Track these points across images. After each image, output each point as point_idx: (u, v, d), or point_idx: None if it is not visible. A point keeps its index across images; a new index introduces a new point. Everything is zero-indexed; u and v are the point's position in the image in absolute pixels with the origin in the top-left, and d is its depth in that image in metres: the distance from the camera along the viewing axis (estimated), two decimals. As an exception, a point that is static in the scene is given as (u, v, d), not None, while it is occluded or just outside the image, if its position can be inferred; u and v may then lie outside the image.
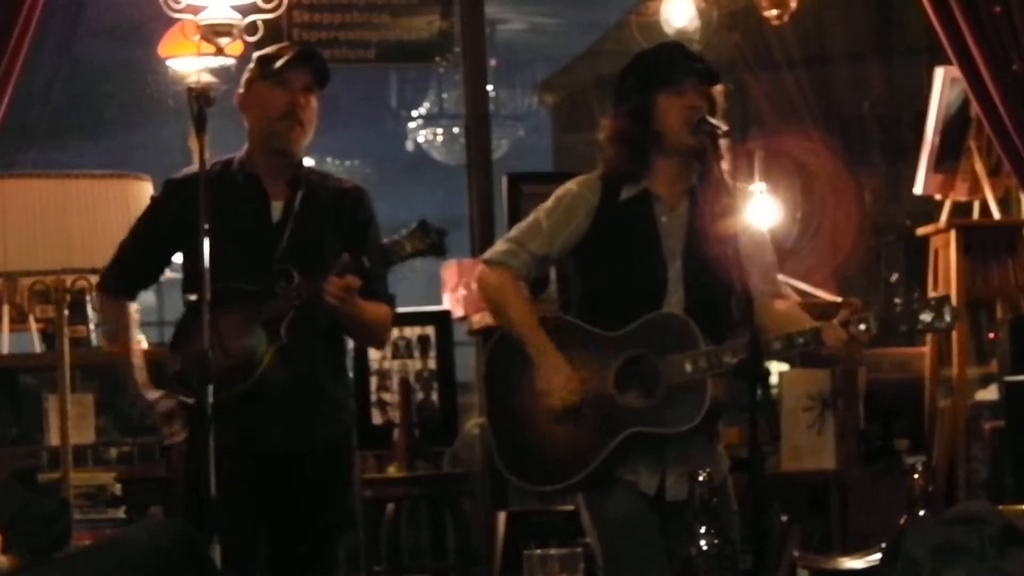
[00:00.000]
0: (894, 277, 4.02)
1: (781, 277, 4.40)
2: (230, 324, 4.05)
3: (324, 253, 4.14)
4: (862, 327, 3.90)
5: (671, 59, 4.15)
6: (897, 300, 3.94)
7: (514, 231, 4.21)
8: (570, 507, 6.02)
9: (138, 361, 4.28)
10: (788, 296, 4.22)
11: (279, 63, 4.19)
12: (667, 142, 4.08)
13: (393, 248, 4.09)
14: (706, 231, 4.05)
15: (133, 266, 4.35)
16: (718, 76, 4.17)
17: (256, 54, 4.34)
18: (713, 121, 4.02)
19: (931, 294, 3.92)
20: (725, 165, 4.05)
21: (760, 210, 6.65)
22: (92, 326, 5.84)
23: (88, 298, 5.49)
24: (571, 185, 4.19)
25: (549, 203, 4.19)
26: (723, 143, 4.04)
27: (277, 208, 4.19)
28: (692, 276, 4.07)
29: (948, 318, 3.91)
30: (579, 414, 4.03)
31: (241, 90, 4.29)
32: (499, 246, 4.20)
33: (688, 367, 3.95)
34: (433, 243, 4.10)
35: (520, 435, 4.13)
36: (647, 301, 4.05)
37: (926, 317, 3.91)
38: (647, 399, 3.99)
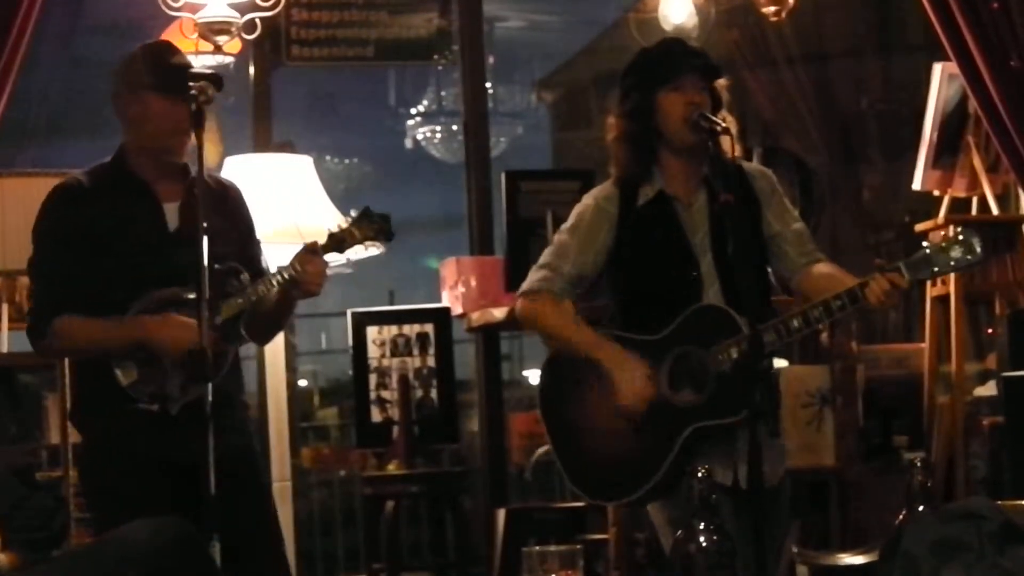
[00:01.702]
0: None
1: None
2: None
3: (225, 251, 4.07)
4: (895, 274, 3.90)
5: (670, 56, 4.17)
6: (924, 243, 3.93)
7: (543, 258, 4.23)
8: (570, 504, 6.05)
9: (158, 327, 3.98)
10: (826, 259, 4.22)
11: (175, 78, 3.98)
12: (670, 139, 4.11)
13: (343, 236, 4.10)
14: (732, 220, 4.02)
15: (73, 280, 4.06)
16: (719, 70, 4.19)
17: (140, 54, 4.11)
18: (711, 117, 4.03)
19: (960, 229, 3.88)
20: (732, 148, 4.07)
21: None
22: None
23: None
24: (588, 200, 4.22)
25: (570, 222, 4.22)
26: (724, 139, 4.05)
27: (172, 210, 4.08)
28: (725, 266, 4.08)
29: (979, 249, 3.88)
30: (642, 421, 4.04)
31: (123, 91, 4.10)
32: (532, 275, 4.22)
33: (734, 354, 3.97)
34: (380, 228, 4.11)
35: (587, 455, 4.14)
36: (685, 300, 4.08)
37: (956, 253, 3.89)
38: (700, 394, 4.01)
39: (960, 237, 3.90)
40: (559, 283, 4.16)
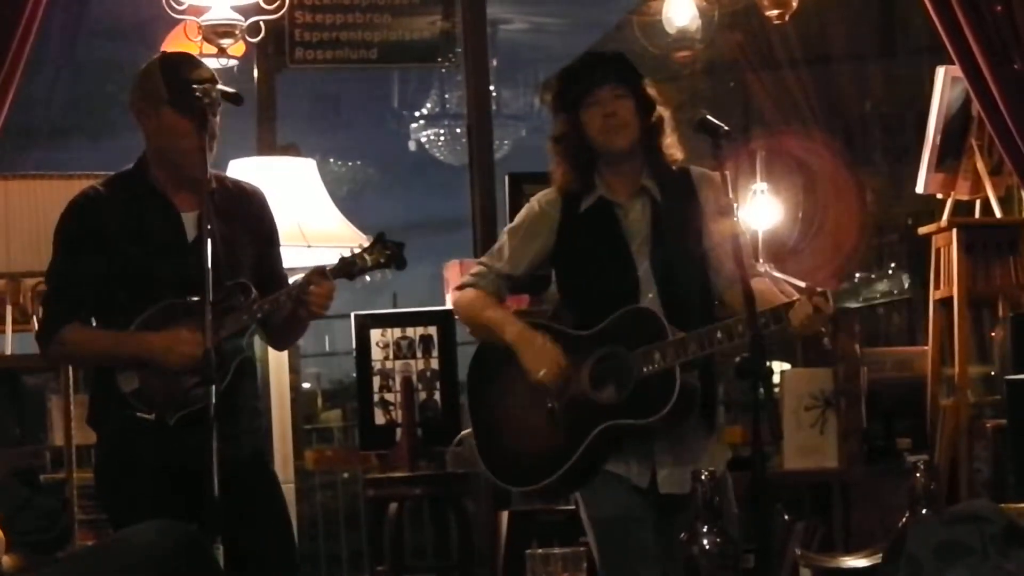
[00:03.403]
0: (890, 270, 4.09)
1: (780, 275, 4.45)
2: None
3: (241, 259, 4.12)
4: (820, 300, 3.92)
5: (582, 73, 4.24)
6: (857, 274, 4.00)
7: (484, 256, 4.39)
8: (572, 507, 6.05)
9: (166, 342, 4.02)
10: (763, 276, 4.26)
11: (195, 97, 3.98)
12: (599, 151, 4.18)
13: (353, 261, 4.11)
14: (672, 230, 4.15)
15: (86, 288, 4.10)
16: (633, 73, 4.22)
17: (159, 66, 4.11)
18: (714, 120, 4.04)
19: (892, 265, 4.02)
20: (677, 150, 4.16)
21: (762, 209, 6.67)
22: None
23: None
24: (533, 203, 4.32)
25: (514, 223, 4.35)
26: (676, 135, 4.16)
27: (190, 220, 4.10)
28: (662, 274, 4.15)
29: (905, 284, 3.97)
30: (556, 414, 4.13)
31: (142, 104, 4.11)
32: (470, 270, 4.37)
33: (657, 357, 4.02)
34: (392, 255, 4.12)
35: (501, 439, 4.25)
36: (623, 303, 4.13)
37: (883, 287, 3.98)
38: (619, 393, 4.07)
39: (890, 272, 3.97)
40: (489, 278, 4.29)
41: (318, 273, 4.07)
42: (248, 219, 4.21)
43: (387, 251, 4.11)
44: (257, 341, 4.40)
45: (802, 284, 4.05)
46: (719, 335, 3.96)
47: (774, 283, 4.23)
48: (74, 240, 4.13)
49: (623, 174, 4.20)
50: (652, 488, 4.12)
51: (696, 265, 4.14)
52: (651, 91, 4.20)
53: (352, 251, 4.13)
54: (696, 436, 4.16)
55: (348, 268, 4.10)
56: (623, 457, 4.12)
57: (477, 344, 4.37)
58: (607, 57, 4.30)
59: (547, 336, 4.15)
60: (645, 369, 4.02)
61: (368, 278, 4.21)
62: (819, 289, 3.95)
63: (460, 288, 4.34)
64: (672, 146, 4.18)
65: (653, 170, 4.20)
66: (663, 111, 4.19)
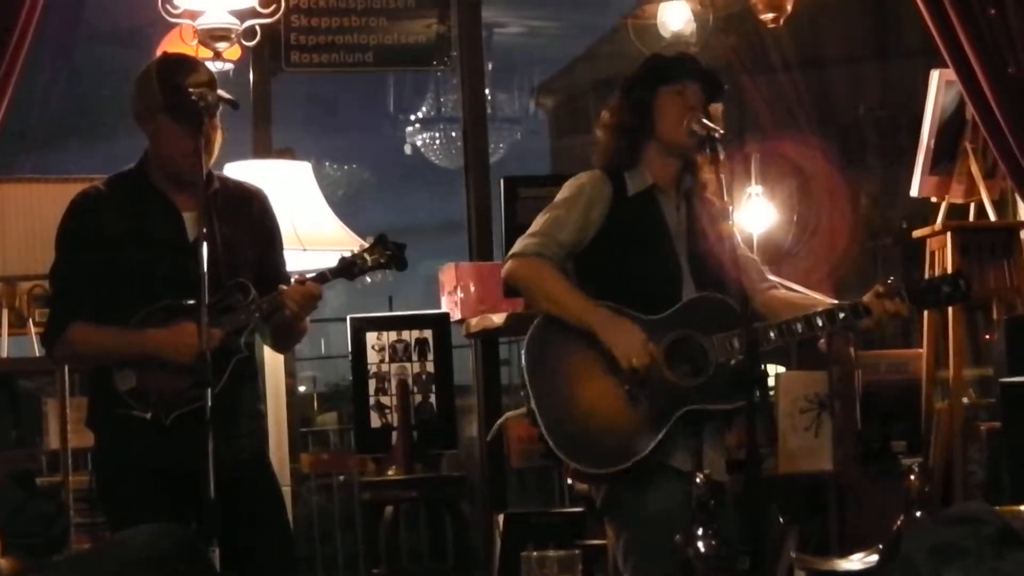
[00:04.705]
0: (890, 280, 4.24)
1: (777, 279, 4.52)
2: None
3: (242, 260, 4.13)
4: (898, 300, 4.15)
5: (678, 61, 4.35)
6: (917, 277, 4.17)
7: (536, 226, 4.26)
8: (569, 509, 6.06)
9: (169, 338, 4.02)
10: (776, 287, 4.40)
11: (192, 101, 3.97)
12: (662, 137, 4.23)
13: (354, 261, 4.13)
14: (705, 232, 4.22)
15: (89, 288, 4.09)
16: (722, 92, 4.35)
17: (156, 70, 4.09)
18: (709, 123, 4.11)
19: (939, 272, 4.27)
20: (711, 172, 4.20)
21: (756, 212, 6.68)
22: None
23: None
24: (582, 179, 4.28)
25: (565, 196, 4.28)
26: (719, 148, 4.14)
27: (191, 220, 4.09)
28: (697, 273, 4.22)
29: (964, 288, 4.22)
30: (636, 396, 4.10)
31: (140, 109, 4.10)
32: (525, 240, 4.24)
33: (737, 344, 4.06)
34: (393, 256, 4.14)
35: (572, 420, 4.14)
36: (664, 292, 4.18)
37: (947, 289, 4.21)
38: (699, 377, 4.10)
39: (949, 277, 4.32)
40: (553, 248, 4.20)
41: (304, 274, 4.12)
42: (249, 220, 4.22)
43: (388, 252, 4.14)
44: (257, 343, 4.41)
45: (834, 301, 4.26)
46: (798, 327, 4.12)
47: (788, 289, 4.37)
48: (76, 240, 4.13)
49: (669, 169, 4.27)
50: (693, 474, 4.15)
51: (721, 270, 4.16)
52: (717, 114, 4.34)
53: (353, 251, 4.15)
54: (720, 433, 4.26)
55: (348, 268, 4.14)
56: (672, 445, 4.12)
57: (535, 323, 4.23)
58: (702, 64, 4.40)
59: (631, 322, 4.11)
60: (725, 355, 4.07)
61: (368, 279, 4.22)
62: (892, 290, 4.16)
63: (519, 256, 4.22)
64: (719, 157, 4.22)
65: (693, 180, 4.30)
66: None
